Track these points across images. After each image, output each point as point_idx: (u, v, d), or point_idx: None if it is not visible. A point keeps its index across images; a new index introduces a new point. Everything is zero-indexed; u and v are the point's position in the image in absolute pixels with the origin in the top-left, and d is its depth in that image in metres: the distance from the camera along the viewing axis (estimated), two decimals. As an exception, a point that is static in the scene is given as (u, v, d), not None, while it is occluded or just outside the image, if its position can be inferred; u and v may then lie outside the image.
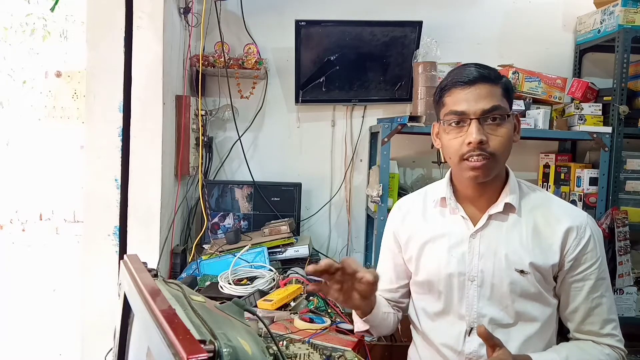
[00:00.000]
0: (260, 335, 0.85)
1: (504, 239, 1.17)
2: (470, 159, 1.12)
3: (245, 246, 1.94)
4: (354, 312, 1.30)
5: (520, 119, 2.13)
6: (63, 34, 2.25)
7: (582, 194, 2.23)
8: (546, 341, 1.19)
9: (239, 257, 1.86)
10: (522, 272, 1.14)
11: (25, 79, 2.26)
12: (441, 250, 1.22)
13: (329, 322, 1.40)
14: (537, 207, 1.19)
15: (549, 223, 1.17)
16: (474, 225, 1.20)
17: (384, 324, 1.29)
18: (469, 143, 1.10)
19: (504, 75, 1.18)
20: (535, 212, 1.19)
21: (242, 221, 2.33)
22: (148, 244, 1.93)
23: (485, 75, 1.13)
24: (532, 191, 1.23)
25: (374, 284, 1.10)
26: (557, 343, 1.22)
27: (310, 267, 1.07)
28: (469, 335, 1.19)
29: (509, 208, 1.18)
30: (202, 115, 2.27)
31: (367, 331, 1.28)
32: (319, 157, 2.55)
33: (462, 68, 1.18)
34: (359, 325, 1.27)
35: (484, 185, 1.18)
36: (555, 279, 1.17)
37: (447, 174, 1.27)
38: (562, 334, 1.24)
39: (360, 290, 1.11)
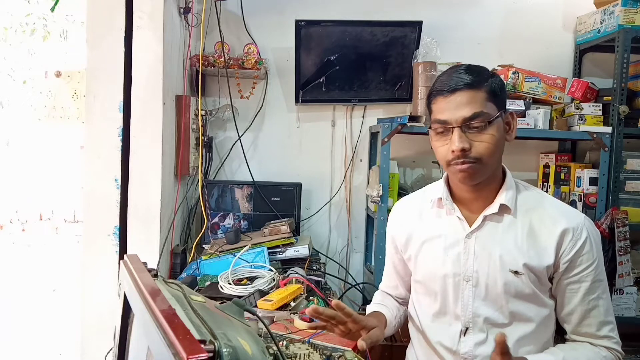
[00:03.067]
0: (260, 335, 0.85)
1: (499, 240, 1.17)
2: (456, 165, 1.13)
3: (245, 246, 1.93)
4: None
5: (521, 119, 2.16)
6: (63, 34, 2.25)
7: (582, 194, 2.23)
8: (543, 342, 1.19)
9: (239, 257, 1.86)
10: (516, 273, 1.14)
11: (25, 79, 2.26)
12: (437, 250, 1.23)
13: (329, 322, 1.40)
14: (533, 208, 1.19)
15: (545, 224, 1.17)
16: (470, 226, 1.20)
17: (396, 328, 1.35)
18: (453, 151, 1.11)
19: (494, 74, 1.16)
20: (531, 213, 1.18)
21: (242, 221, 2.33)
22: (148, 244, 1.93)
23: (466, 82, 1.11)
24: (529, 192, 1.23)
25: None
26: (556, 344, 1.22)
27: (310, 309, 1.06)
28: (464, 335, 1.20)
29: (504, 209, 1.18)
30: (202, 115, 2.27)
31: None
32: (319, 157, 2.55)
33: (447, 74, 1.16)
34: None
35: (479, 186, 1.18)
36: (550, 280, 1.17)
37: (444, 175, 1.28)
38: (561, 335, 1.24)
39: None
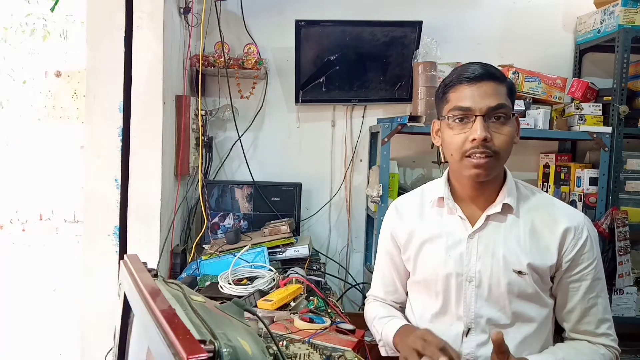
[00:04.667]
0: (260, 335, 0.85)
1: (502, 239, 1.17)
2: (473, 156, 1.11)
3: (245, 246, 1.93)
4: (384, 338, 1.28)
5: (521, 119, 2.15)
6: (63, 34, 2.25)
7: (582, 194, 2.23)
8: (543, 341, 1.20)
9: (239, 257, 1.86)
10: (519, 272, 1.14)
11: (25, 79, 2.26)
12: (439, 250, 1.22)
13: (329, 322, 1.40)
14: (535, 208, 1.20)
15: (546, 224, 1.17)
16: (472, 226, 1.20)
17: None
18: (473, 140, 1.10)
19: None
20: (533, 213, 1.19)
21: (242, 221, 2.33)
22: (148, 244, 1.93)
23: (492, 72, 1.13)
24: (529, 192, 1.23)
25: None
26: (554, 343, 1.22)
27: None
28: (466, 336, 1.19)
29: (507, 209, 1.18)
30: (202, 115, 2.27)
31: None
32: (319, 157, 2.55)
33: (467, 65, 1.17)
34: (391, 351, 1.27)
35: (483, 185, 1.18)
36: (552, 279, 1.18)
37: (445, 174, 1.27)
38: (558, 333, 1.24)
39: None
